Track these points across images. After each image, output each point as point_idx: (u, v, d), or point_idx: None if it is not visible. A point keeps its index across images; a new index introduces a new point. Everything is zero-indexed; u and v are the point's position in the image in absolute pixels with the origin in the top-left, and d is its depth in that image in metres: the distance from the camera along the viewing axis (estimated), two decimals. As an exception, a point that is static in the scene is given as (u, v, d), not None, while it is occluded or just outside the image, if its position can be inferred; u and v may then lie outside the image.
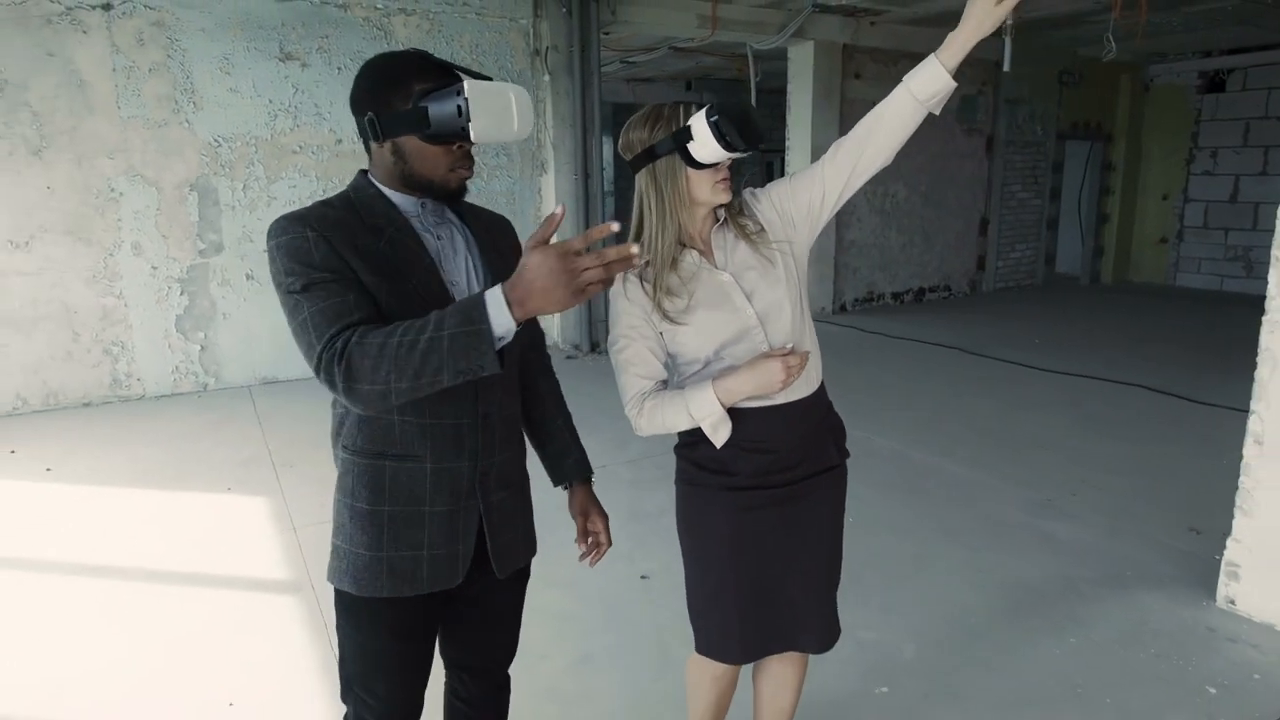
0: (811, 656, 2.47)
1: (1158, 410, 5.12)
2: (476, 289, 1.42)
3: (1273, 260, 2.60)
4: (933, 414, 5.11)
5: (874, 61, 8.60)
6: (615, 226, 1.18)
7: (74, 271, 5.31)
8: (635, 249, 1.10)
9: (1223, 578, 2.84)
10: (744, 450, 1.60)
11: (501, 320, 1.13)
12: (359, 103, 1.36)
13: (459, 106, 1.26)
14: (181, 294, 5.65)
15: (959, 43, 1.49)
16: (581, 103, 6.69)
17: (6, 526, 3.60)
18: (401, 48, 1.47)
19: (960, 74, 6.24)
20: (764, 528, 1.64)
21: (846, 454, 1.76)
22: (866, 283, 9.11)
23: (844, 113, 8.40)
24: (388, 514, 1.38)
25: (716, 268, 1.61)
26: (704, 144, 1.48)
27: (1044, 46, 9.38)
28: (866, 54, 8.51)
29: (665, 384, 1.62)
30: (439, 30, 6.21)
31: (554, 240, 1.13)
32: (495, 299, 1.14)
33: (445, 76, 1.32)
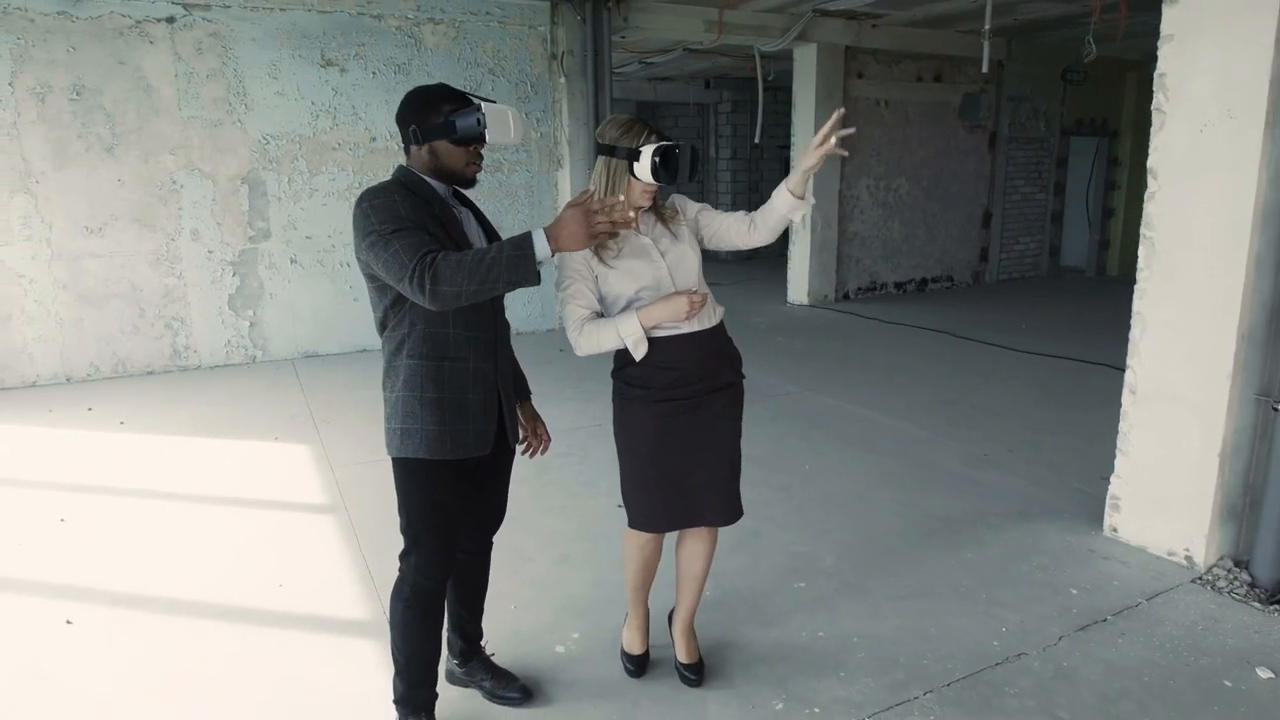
0: (746, 561, 3.05)
1: (1116, 385, 5.54)
2: (484, 243, 2.06)
3: (1142, 238, 3.09)
4: (905, 386, 5.61)
5: (877, 62, 9.05)
6: (623, 198, 1.87)
7: (140, 255, 6.01)
8: (632, 214, 1.73)
9: (1107, 510, 3.33)
10: (658, 369, 2.16)
11: (541, 249, 1.73)
12: (405, 119, 1.98)
13: (478, 119, 1.91)
14: (233, 275, 6.33)
15: (796, 176, 2.08)
16: (595, 103, 7.26)
17: (91, 465, 4.27)
18: (432, 82, 2.09)
19: (962, 73, 6.88)
20: (675, 429, 2.19)
21: (742, 376, 2.31)
22: (869, 272, 9.56)
23: (846, 109, 8.85)
24: (447, 400, 1.97)
25: (640, 234, 2.18)
26: (643, 168, 2.07)
27: (1046, 46, 9.75)
28: (869, 55, 8.97)
29: (600, 315, 2.18)
30: (464, 37, 6.83)
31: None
32: (539, 235, 1.74)
33: (464, 101, 1.97)
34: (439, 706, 2.22)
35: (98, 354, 5.99)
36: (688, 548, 2.38)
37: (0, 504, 3.78)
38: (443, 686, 2.36)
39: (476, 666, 2.36)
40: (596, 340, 2.13)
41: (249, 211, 6.31)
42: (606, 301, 2.19)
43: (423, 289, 1.74)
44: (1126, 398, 3.22)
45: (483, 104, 1.90)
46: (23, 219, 5.62)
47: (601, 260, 2.14)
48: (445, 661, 2.40)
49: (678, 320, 2.11)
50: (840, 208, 9.08)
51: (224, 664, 2.53)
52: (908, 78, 9.31)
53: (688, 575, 2.40)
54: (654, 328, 2.12)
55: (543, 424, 2.36)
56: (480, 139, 1.93)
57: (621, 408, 2.26)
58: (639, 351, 2.12)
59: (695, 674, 2.39)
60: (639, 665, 2.44)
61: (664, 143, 2.06)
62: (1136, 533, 3.24)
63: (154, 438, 4.70)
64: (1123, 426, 3.25)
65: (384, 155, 6.60)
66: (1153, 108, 3.03)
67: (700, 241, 2.26)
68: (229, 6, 5.97)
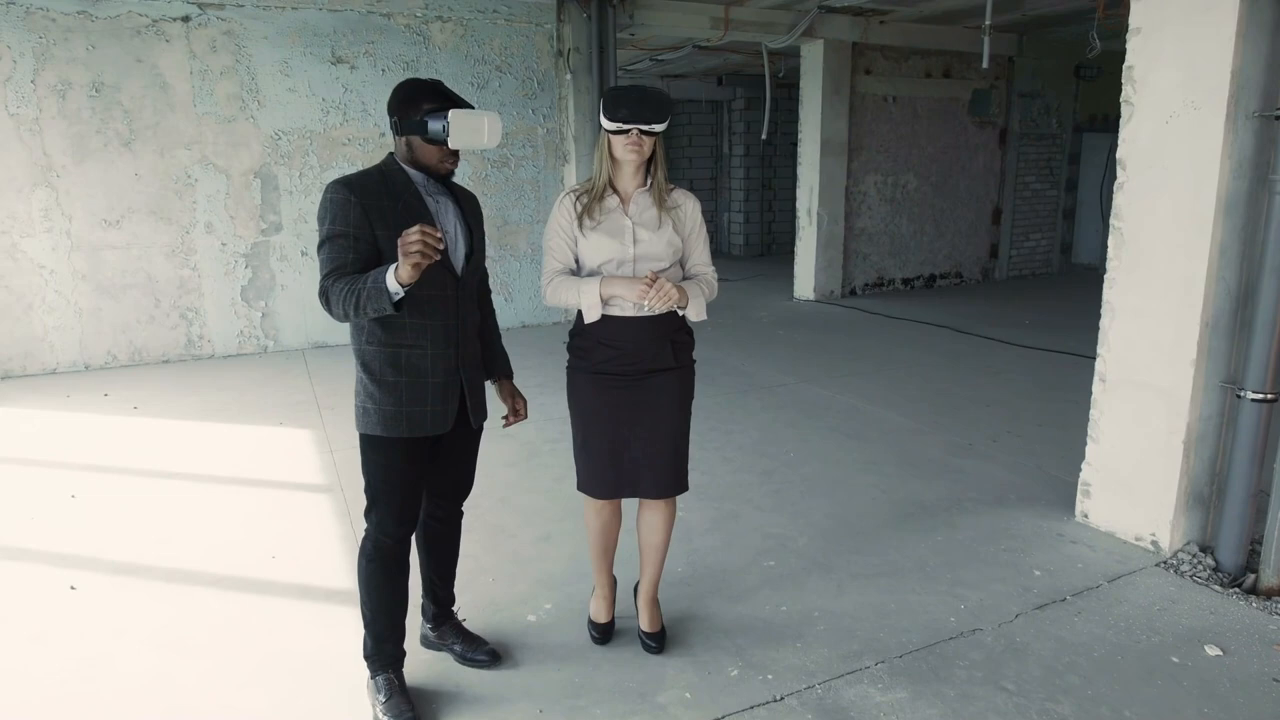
0: (721, 540, 3.16)
1: (1110, 379, 5.58)
2: (460, 236, 2.20)
3: (1111, 229, 3.15)
4: (899, 379, 5.67)
5: (885, 58, 9.08)
6: (418, 229, 1.85)
7: (156, 246, 6.20)
8: (427, 233, 1.81)
9: (1079, 496, 3.39)
10: (599, 344, 2.29)
11: (391, 284, 1.88)
12: (390, 108, 2.12)
13: (443, 126, 2.01)
14: (246, 267, 6.51)
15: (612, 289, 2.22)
16: (600, 99, 7.35)
17: (104, 447, 4.45)
18: (427, 76, 2.20)
19: (972, 69, 6.89)
20: (613, 401, 2.32)
21: (692, 361, 2.40)
22: (876, 268, 9.59)
23: (854, 106, 8.91)
24: (404, 383, 2.11)
25: (626, 214, 2.29)
26: (603, 118, 2.19)
27: (1057, 41, 9.73)
28: (877, 51, 8.99)
29: (574, 273, 2.31)
30: (471, 35, 6.96)
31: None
32: (390, 273, 1.88)
33: (444, 102, 2.08)
34: (412, 667, 2.35)
35: (115, 343, 6.20)
36: (644, 519, 2.49)
37: (15, 481, 3.96)
38: (416, 649, 2.49)
39: (448, 631, 2.48)
40: (562, 295, 2.28)
41: (261, 205, 6.48)
42: (577, 263, 2.32)
43: (326, 308, 1.99)
44: (1097, 385, 3.28)
45: (451, 111, 1.99)
46: (44, 211, 5.83)
47: (580, 227, 2.26)
48: (419, 626, 2.52)
49: (633, 300, 2.21)
50: (847, 204, 9.12)
51: (214, 628, 2.67)
52: (916, 74, 9.33)
53: (647, 546, 2.50)
54: (611, 299, 2.23)
55: (522, 400, 2.46)
56: (444, 143, 2.03)
57: (568, 376, 2.41)
58: (590, 316, 2.25)
59: (655, 642, 2.50)
60: (603, 633, 2.55)
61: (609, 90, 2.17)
62: (1105, 518, 3.29)
63: (165, 422, 4.88)
64: (1093, 414, 3.31)
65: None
66: (1121, 100, 3.09)
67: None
68: (242, 5, 6.15)
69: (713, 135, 13.73)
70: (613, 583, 2.59)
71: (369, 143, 6.72)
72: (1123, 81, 3.08)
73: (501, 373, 2.43)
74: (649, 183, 2.31)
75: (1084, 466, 3.37)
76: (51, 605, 2.83)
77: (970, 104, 9.75)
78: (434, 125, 2.02)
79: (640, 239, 2.28)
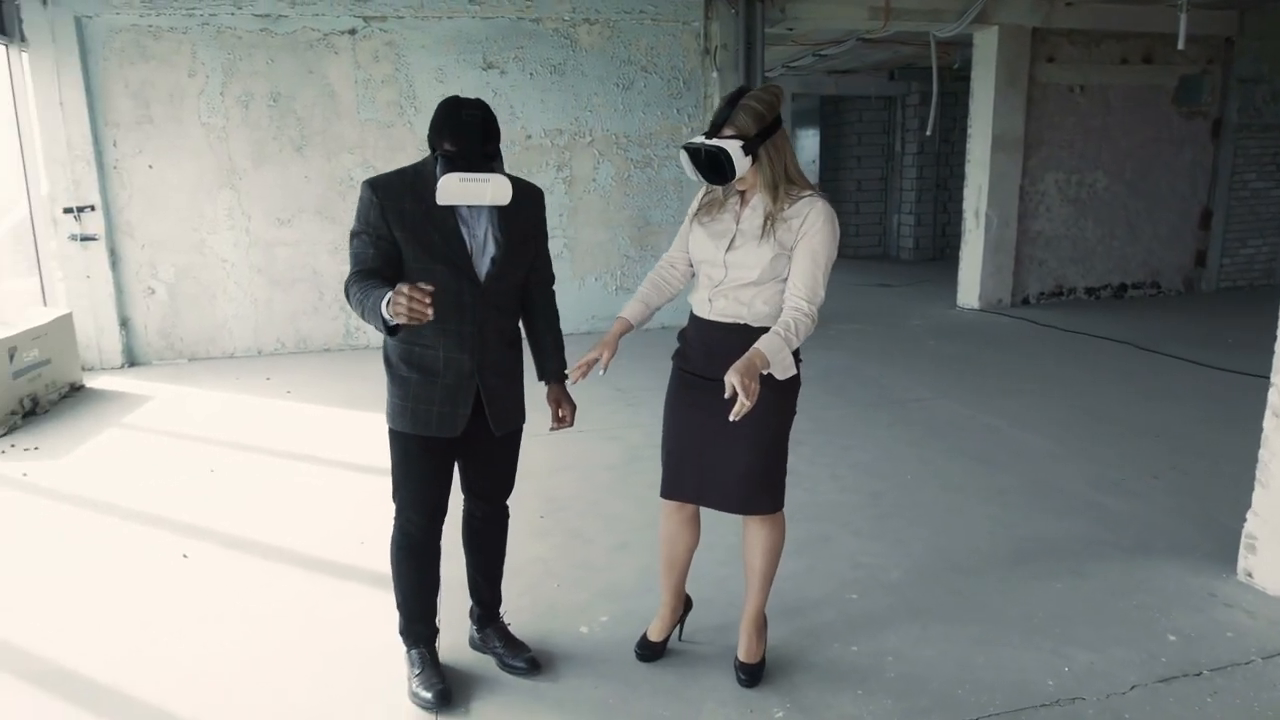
0: (804, 565, 2.97)
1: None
2: (490, 240, 2.15)
3: (1292, 234, 2.63)
4: (1053, 399, 5.09)
5: (1070, 44, 8.24)
6: (405, 290, 1.74)
7: (321, 244, 6.70)
8: (414, 297, 1.72)
9: (1241, 551, 2.86)
10: (687, 342, 2.25)
11: (387, 311, 1.79)
12: (431, 121, 2.04)
13: (440, 186, 1.92)
14: (400, 264, 6.89)
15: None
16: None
17: (252, 426, 4.85)
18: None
19: (1178, 52, 6.19)
20: (689, 401, 2.22)
21: (777, 379, 2.09)
22: (1055, 276, 8.74)
23: (1032, 97, 8.16)
24: (414, 380, 2.13)
25: (736, 218, 2.17)
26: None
27: (1292, 16, 8.44)
28: (1062, 36, 8.18)
29: (689, 263, 2.31)
30: (618, 35, 7.00)
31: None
32: (385, 298, 1.80)
33: (462, 147, 1.95)
34: (453, 667, 2.35)
35: (284, 331, 6.76)
36: (744, 538, 2.35)
37: (167, 453, 4.39)
38: (464, 649, 2.49)
39: (491, 634, 2.46)
40: None
41: (415, 205, 6.83)
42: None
43: (348, 301, 1.98)
44: (1269, 421, 2.76)
45: (444, 178, 1.89)
46: (227, 211, 6.45)
47: (694, 216, 2.26)
48: (467, 628, 2.52)
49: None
50: (1021, 204, 8.36)
51: (292, 607, 2.80)
52: (1109, 60, 8.39)
53: (747, 567, 2.36)
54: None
55: (569, 406, 2.37)
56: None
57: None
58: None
59: (745, 674, 2.33)
60: (647, 651, 2.43)
61: (689, 142, 2.11)
62: (1273, 579, 2.76)
63: (311, 407, 5.25)
64: (1263, 454, 2.78)
65: (538, 152, 6.91)
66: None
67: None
68: (402, 17, 6.51)
69: (884, 133, 13.08)
70: (676, 604, 2.45)
71: (515, 144, 6.90)
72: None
73: (550, 376, 2.37)
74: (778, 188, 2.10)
75: (1249, 516, 2.84)
76: (164, 569, 3.08)
77: (1177, 92, 8.65)
78: (439, 170, 1.95)
79: (736, 245, 2.14)
